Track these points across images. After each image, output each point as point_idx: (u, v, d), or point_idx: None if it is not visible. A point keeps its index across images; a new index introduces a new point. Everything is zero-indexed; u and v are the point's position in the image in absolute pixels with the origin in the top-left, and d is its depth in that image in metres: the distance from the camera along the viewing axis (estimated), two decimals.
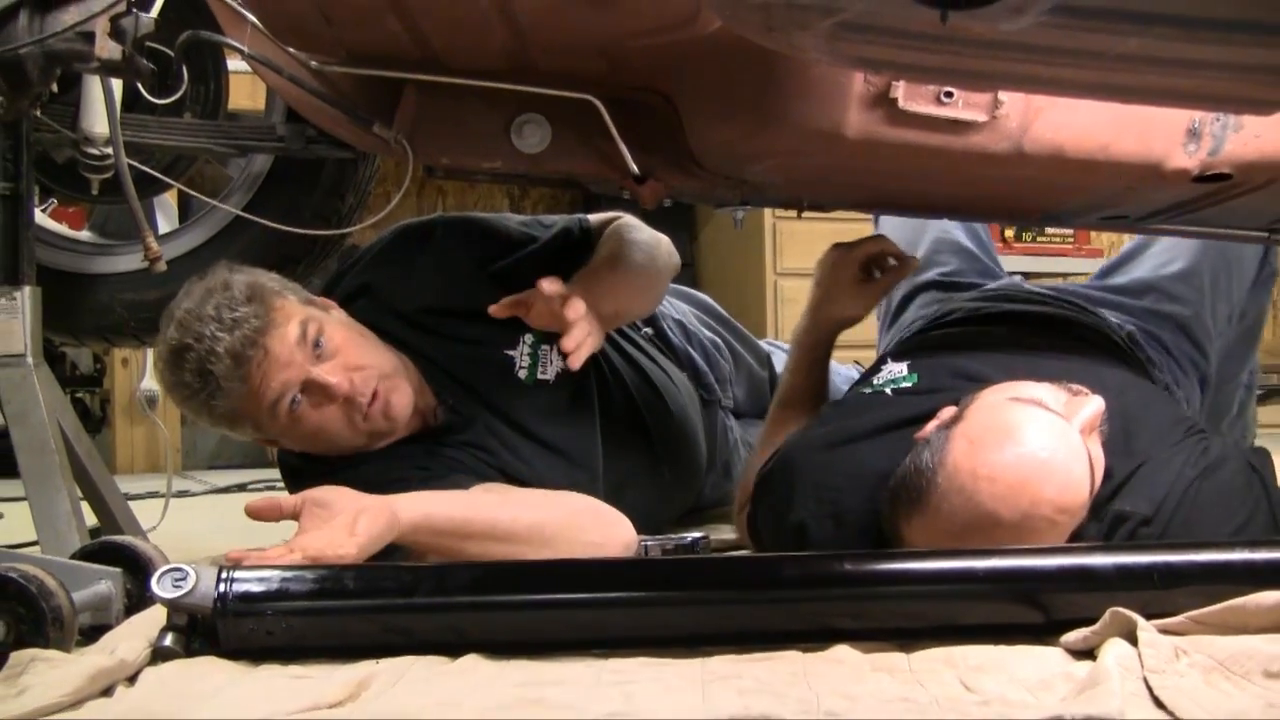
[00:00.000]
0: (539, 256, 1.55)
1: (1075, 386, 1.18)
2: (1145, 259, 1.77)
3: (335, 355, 1.34)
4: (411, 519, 1.21)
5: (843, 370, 1.95)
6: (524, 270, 1.52)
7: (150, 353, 3.29)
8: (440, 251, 1.54)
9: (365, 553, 1.15)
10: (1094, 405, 1.14)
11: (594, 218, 1.65)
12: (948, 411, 1.18)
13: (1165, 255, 1.75)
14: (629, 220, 1.65)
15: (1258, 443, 1.44)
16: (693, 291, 2.07)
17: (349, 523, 1.15)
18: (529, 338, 1.53)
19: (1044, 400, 1.13)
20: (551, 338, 1.55)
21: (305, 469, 1.46)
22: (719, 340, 1.93)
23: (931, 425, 1.18)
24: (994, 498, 1.04)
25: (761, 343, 2.06)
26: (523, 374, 1.52)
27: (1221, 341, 1.71)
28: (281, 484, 1.57)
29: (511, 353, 1.53)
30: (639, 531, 1.38)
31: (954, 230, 1.85)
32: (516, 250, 1.56)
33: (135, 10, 1.23)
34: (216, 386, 1.29)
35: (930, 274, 1.76)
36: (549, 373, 1.54)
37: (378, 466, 1.40)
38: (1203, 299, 1.69)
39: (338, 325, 1.38)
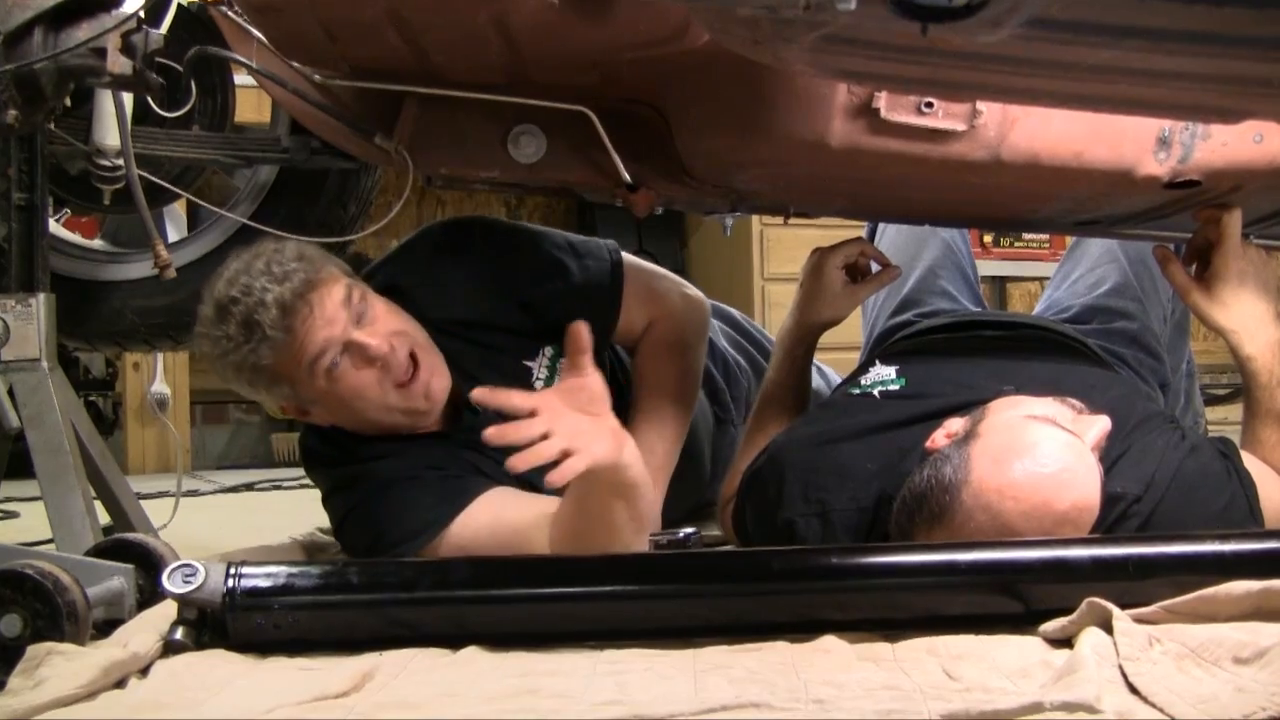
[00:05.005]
0: (566, 295, 1.54)
1: (1075, 403, 1.21)
2: (1077, 284, 1.80)
3: (375, 322, 1.35)
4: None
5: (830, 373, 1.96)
6: (550, 303, 1.53)
7: (160, 357, 3.32)
8: (472, 264, 1.53)
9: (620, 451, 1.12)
10: (1102, 425, 1.17)
11: (629, 261, 1.61)
12: (956, 424, 1.21)
13: (1094, 276, 1.78)
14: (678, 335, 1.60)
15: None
16: (725, 307, 2.04)
17: (615, 425, 1.13)
18: (549, 350, 1.54)
19: (1056, 418, 1.16)
20: None
21: (325, 455, 1.48)
22: (742, 358, 1.92)
23: (940, 437, 1.20)
24: (1020, 515, 1.07)
25: None
26: (539, 385, 1.53)
27: (1162, 341, 1.74)
28: (289, 484, 1.59)
29: (530, 364, 1.53)
30: None
31: (947, 266, 1.85)
32: (544, 279, 1.55)
33: (145, 27, 1.27)
34: (262, 337, 1.28)
35: (909, 313, 1.77)
36: None
37: (393, 463, 1.42)
38: (1143, 308, 1.72)
39: (377, 297, 1.40)
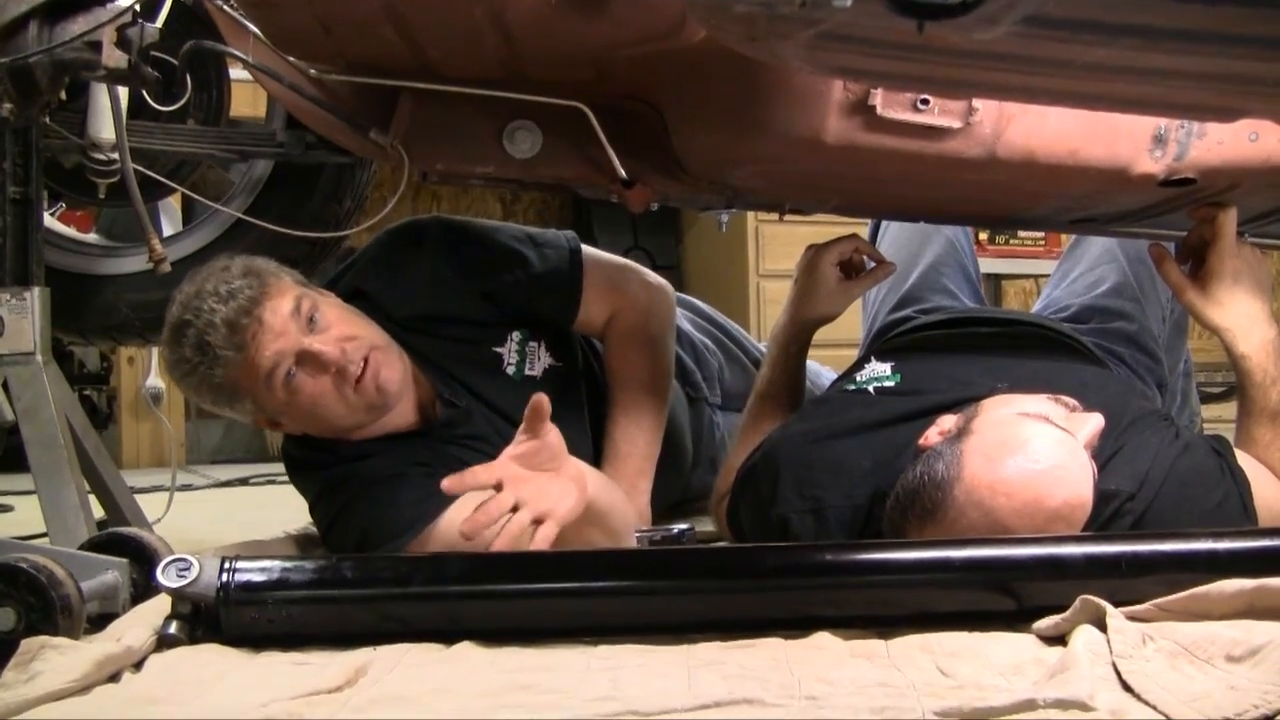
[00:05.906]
0: (527, 283, 1.56)
1: (1069, 400, 1.21)
2: (1075, 283, 1.80)
3: (328, 329, 1.35)
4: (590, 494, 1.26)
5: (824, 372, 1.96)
6: (511, 291, 1.55)
7: (155, 351, 3.32)
8: (431, 260, 1.54)
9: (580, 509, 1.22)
10: (1095, 423, 1.17)
11: (588, 252, 1.63)
12: (949, 421, 1.21)
13: (1093, 276, 1.78)
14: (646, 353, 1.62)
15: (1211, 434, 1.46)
16: (688, 298, 2.06)
17: (576, 470, 1.23)
18: (516, 335, 1.56)
19: (1049, 416, 1.16)
20: (539, 335, 1.58)
21: (309, 460, 1.48)
22: (709, 340, 1.94)
23: (933, 434, 1.20)
24: (1011, 512, 1.07)
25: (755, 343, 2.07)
26: (510, 370, 1.55)
27: (1161, 341, 1.74)
28: (283, 479, 1.59)
29: (500, 350, 1.55)
30: None
31: (950, 263, 1.85)
32: (503, 268, 1.56)
33: (141, 21, 1.27)
34: (214, 357, 1.30)
35: (909, 310, 1.77)
36: (536, 369, 1.57)
37: (380, 461, 1.42)
38: (1141, 308, 1.72)
39: (332, 304, 1.40)
